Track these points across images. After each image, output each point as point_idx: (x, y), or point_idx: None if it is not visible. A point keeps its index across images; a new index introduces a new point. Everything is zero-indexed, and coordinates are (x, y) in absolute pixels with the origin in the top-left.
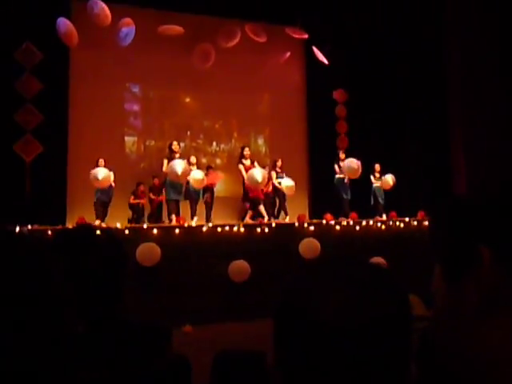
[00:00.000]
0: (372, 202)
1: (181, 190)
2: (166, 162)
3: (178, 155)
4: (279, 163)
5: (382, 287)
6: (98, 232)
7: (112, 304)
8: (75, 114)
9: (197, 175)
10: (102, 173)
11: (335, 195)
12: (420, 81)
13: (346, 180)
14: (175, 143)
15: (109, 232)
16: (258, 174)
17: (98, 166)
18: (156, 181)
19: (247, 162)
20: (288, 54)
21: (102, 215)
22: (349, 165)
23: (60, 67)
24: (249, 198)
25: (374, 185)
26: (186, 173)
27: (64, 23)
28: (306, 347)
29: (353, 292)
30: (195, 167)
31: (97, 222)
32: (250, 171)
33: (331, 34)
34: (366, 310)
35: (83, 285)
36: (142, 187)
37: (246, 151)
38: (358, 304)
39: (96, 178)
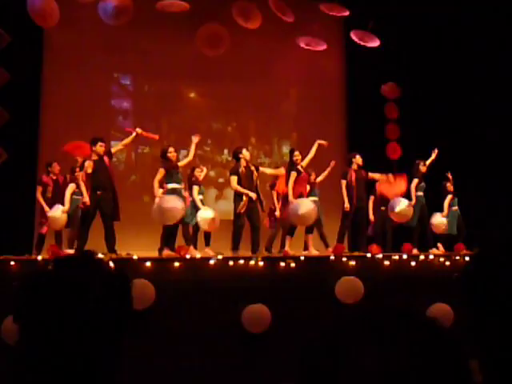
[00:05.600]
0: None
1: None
2: (161, 172)
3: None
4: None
5: (436, 355)
6: (112, 265)
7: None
8: (49, 113)
9: (205, 214)
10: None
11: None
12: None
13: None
14: (171, 149)
15: (122, 271)
16: None
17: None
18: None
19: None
20: (324, 46)
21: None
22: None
23: (32, 53)
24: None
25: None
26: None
27: None
28: None
29: (401, 361)
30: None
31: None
32: None
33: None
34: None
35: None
36: None
37: (297, 156)
38: (406, 373)
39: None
